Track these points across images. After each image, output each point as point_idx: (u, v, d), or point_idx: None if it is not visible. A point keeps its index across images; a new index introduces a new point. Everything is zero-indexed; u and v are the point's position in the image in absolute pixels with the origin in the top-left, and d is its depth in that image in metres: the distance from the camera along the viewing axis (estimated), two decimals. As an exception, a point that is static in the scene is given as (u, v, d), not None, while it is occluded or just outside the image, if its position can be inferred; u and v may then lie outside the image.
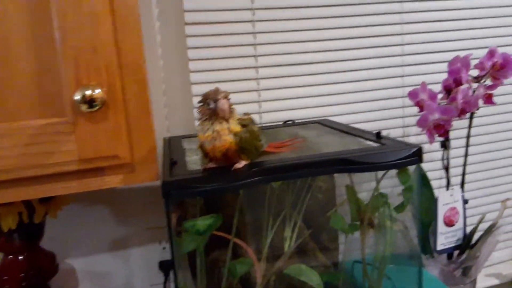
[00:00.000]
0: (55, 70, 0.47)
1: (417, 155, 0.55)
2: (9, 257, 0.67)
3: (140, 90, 0.51)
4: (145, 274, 0.88)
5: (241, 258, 0.65)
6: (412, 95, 0.77)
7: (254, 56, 0.86)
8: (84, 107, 0.46)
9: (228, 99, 0.50)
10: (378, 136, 0.64)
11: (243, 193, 0.62)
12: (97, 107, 0.46)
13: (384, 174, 0.59)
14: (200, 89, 0.84)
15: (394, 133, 0.97)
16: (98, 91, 0.46)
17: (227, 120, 0.50)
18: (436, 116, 0.72)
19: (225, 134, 0.50)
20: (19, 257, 0.67)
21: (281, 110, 0.89)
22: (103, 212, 0.84)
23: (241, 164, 0.52)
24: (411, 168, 0.59)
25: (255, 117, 0.87)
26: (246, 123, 0.52)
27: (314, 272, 0.65)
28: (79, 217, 0.82)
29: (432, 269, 0.88)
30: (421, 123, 0.73)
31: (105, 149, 0.49)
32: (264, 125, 0.87)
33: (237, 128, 0.50)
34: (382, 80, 0.94)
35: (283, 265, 0.68)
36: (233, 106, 0.51)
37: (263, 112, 0.88)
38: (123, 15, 0.49)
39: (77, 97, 0.45)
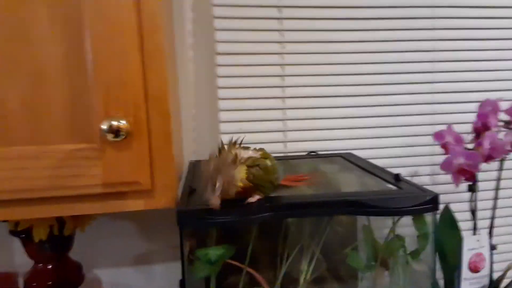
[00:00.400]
0: (86, 100, 0.52)
1: (432, 203, 0.55)
2: (39, 265, 0.71)
3: (163, 121, 0.55)
4: (167, 290, 0.91)
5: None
6: (438, 136, 0.76)
7: (281, 86, 0.88)
8: (110, 136, 0.50)
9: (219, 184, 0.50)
10: (396, 178, 0.64)
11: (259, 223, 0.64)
12: (122, 137, 0.50)
13: (398, 219, 0.59)
14: (227, 116, 0.87)
15: (422, 171, 0.95)
16: (123, 122, 0.50)
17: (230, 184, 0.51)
18: (460, 160, 0.70)
19: (238, 186, 0.51)
20: (48, 266, 0.72)
21: (306, 141, 0.90)
22: (129, 228, 0.88)
23: (255, 198, 0.54)
24: (428, 215, 0.58)
25: (280, 146, 0.90)
26: (257, 163, 0.53)
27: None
28: (106, 230, 0.87)
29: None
30: (445, 166, 0.72)
31: (127, 176, 0.53)
32: (287, 154, 0.88)
33: (243, 175, 0.52)
34: (412, 116, 0.93)
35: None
36: (242, 153, 0.53)
37: (288, 142, 0.90)
38: (151, 52, 0.52)
39: (104, 126, 0.49)
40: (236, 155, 0.52)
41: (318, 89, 0.90)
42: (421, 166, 0.95)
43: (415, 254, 0.59)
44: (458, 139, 0.73)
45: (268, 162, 0.54)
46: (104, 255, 0.87)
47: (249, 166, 0.52)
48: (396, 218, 0.59)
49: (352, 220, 0.78)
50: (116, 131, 0.50)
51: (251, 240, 0.63)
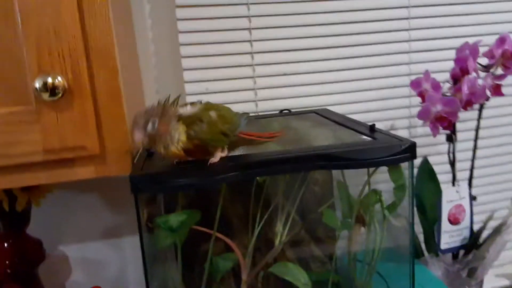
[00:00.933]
0: (17, 56, 0.45)
1: (409, 151, 0.51)
2: (-5, 244, 0.66)
3: (110, 77, 0.49)
4: (139, 262, 0.87)
5: (225, 254, 0.62)
6: (415, 84, 0.72)
7: (249, 41, 0.82)
8: (45, 96, 0.44)
9: (154, 123, 0.46)
10: (371, 129, 0.60)
11: (227, 185, 0.59)
12: (58, 96, 0.44)
13: (373, 171, 0.55)
14: (192, 75, 0.81)
15: (400, 124, 0.92)
16: (59, 78, 0.44)
17: (160, 141, 0.46)
18: (438, 108, 0.66)
19: (172, 152, 0.46)
20: (4, 245, 0.67)
21: (279, 99, 0.85)
22: (94, 199, 0.83)
23: (217, 157, 0.49)
24: (405, 165, 0.54)
25: (251, 106, 0.84)
26: (198, 118, 0.48)
27: (301, 271, 0.62)
28: (70, 204, 0.81)
29: (436, 269, 0.84)
30: (422, 115, 0.68)
31: (71, 140, 0.47)
32: (258, 114, 0.83)
33: (182, 137, 0.47)
34: (387, 67, 0.89)
35: (272, 261, 0.65)
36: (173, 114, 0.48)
37: (259, 100, 0.85)
38: (89, -3, 0.46)
39: (37, 84, 0.43)
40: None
41: (289, 42, 0.84)
42: (398, 119, 0.92)
43: (392, 208, 0.56)
44: (436, 86, 0.69)
45: (212, 114, 0.49)
46: (70, 230, 0.82)
47: (188, 124, 0.47)
48: (371, 170, 0.56)
49: (327, 178, 0.74)
50: (52, 89, 0.43)
51: (220, 203, 0.58)
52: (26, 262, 0.68)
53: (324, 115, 0.75)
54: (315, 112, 0.79)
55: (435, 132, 0.72)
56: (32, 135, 0.46)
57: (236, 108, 0.82)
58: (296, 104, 0.86)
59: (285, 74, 0.85)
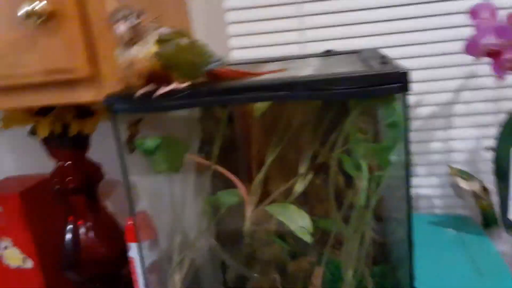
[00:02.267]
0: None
1: (399, 81, 0.42)
2: (60, 163, 0.78)
3: (101, 5, 0.52)
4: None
5: (231, 189, 0.62)
6: (474, 13, 0.57)
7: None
8: (31, 21, 0.49)
9: (136, 19, 0.44)
10: (382, 62, 0.51)
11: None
12: (41, 20, 0.49)
13: (357, 107, 0.47)
14: (236, 15, 0.79)
15: (485, 70, 0.75)
16: (40, 4, 0.49)
17: (136, 43, 0.45)
18: (492, 40, 0.52)
19: (140, 62, 0.45)
20: (67, 163, 0.78)
21: (328, 40, 0.78)
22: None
23: (169, 87, 0.47)
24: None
25: (296, 48, 0.79)
26: (169, 37, 0.46)
27: (303, 215, 0.58)
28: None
29: (502, 244, 0.70)
30: (469, 48, 0.54)
31: (62, 61, 0.52)
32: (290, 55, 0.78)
33: (152, 49, 0.45)
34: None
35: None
36: (152, 24, 0.46)
37: (306, 42, 0.79)
38: None
39: (21, 11, 0.48)
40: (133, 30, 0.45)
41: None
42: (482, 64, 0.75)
43: (382, 151, 0.47)
44: (493, 12, 0.54)
45: (184, 40, 0.47)
46: (136, 161, 0.91)
47: (159, 42, 0.46)
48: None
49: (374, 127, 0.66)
50: (35, 15, 0.49)
51: (220, 130, 0.57)
52: (85, 180, 0.79)
53: (364, 55, 0.66)
54: (359, 52, 0.70)
55: (500, 74, 0.57)
56: (32, 57, 0.52)
57: (281, 51, 0.79)
58: (354, 46, 0.77)
59: (337, 12, 0.77)
